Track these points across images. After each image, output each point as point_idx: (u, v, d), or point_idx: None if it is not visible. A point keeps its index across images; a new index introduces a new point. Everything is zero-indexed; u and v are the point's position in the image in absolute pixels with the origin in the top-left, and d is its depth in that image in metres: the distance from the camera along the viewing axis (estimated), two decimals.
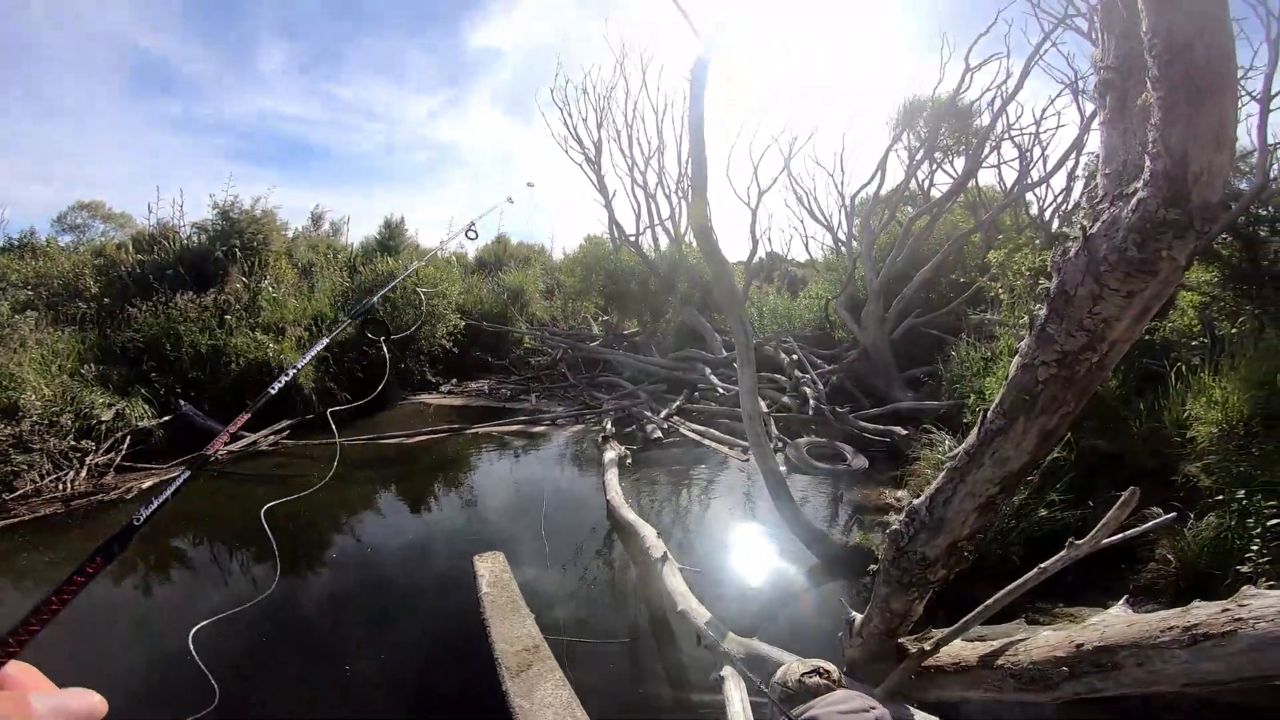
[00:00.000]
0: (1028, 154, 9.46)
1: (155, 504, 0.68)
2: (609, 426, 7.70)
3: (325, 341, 1.33)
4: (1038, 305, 1.75)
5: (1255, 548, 2.92)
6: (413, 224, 14.18)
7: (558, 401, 10.24)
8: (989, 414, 2.03)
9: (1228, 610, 1.86)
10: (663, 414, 8.35)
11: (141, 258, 9.22)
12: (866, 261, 9.62)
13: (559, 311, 14.99)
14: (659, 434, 7.74)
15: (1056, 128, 9.44)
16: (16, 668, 0.43)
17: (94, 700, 0.42)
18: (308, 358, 1.14)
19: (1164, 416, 4.11)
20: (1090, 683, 2.11)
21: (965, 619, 2.47)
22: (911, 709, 2.47)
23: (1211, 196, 1.27)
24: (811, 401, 8.14)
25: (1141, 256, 1.40)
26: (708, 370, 9.90)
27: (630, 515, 4.86)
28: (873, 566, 3.89)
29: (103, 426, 6.50)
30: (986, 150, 9.50)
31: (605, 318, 14.44)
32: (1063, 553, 2.25)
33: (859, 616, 2.88)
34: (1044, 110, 9.24)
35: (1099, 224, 1.50)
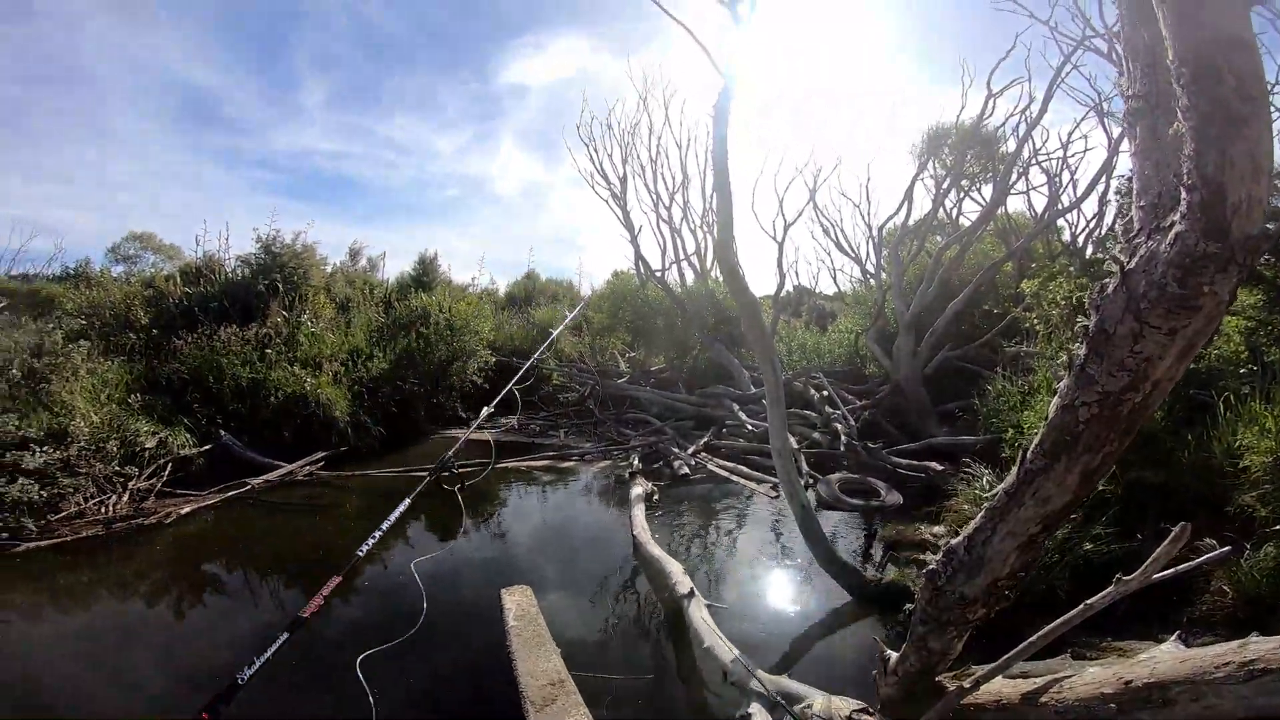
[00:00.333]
0: (1056, 179, 9.30)
1: (257, 664, 0.70)
2: (635, 462, 7.67)
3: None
4: (1077, 344, 1.72)
5: None
6: (445, 259, 14.52)
7: (585, 437, 10.24)
8: (1029, 453, 1.99)
9: None
10: (690, 450, 8.28)
11: (188, 290, 9.59)
12: (896, 293, 9.52)
13: (586, 348, 15.09)
14: (686, 470, 7.67)
15: (1084, 151, 9.26)
16: None
17: None
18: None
19: (1214, 446, 3.97)
20: None
21: (1008, 655, 2.37)
22: None
23: (1251, 228, 1.24)
24: (843, 437, 7.99)
25: (1182, 292, 1.37)
26: (735, 406, 9.80)
27: (656, 550, 4.80)
28: (908, 606, 3.78)
29: (146, 453, 6.72)
30: (1014, 176, 9.35)
31: (632, 354, 14.48)
32: (1110, 588, 2.16)
33: (894, 655, 2.79)
34: (1070, 134, 9.11)
35: (1136, 259, 1.48)
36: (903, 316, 9.13)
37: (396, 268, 14.92)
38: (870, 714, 1.83)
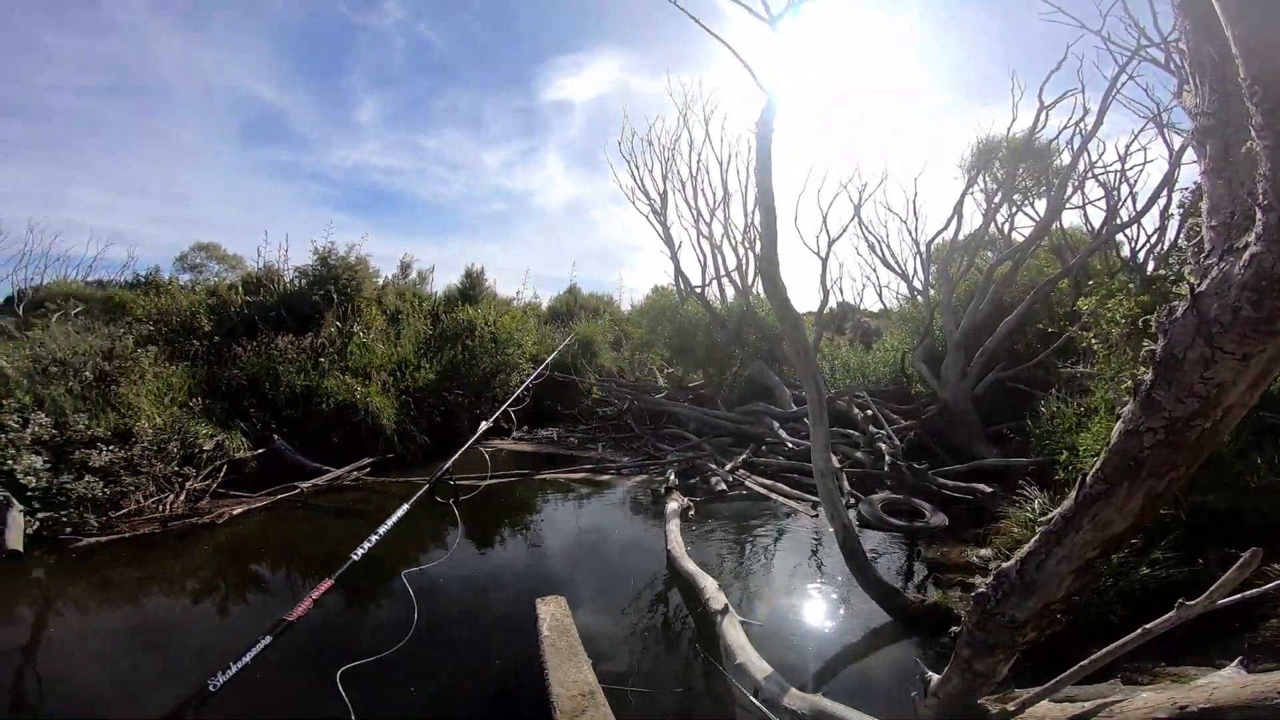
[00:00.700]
0: (1114, 192, 8.86)
1: (234, 669, 0.71)
2: (672, 478, 7.64)
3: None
4: (1143, 368, 1.65)
5: None
6: (491, 273, 14.80)
7: (623, 451, 10.27)
8: (1088, 478, 1.91)
9: None
10: (728, 467, 8.20)
11: (249, 299, 10.11)
12: (945, 311, 9.26)
13: (626, 363, 15.17)
14: (723, 487, 7.60)
15: (1144, 163, 8.81)
16: None
17: None
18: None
19: None
20: None
21: (1057, 679, 2.27)
22: None
23: None
24: (887, 457, 7.79)
25: (1258, 316, 1.31)
26: (775, 424, 9.67)
27: (691, 566, 4.76)
28: (954, 629, 3.65)
29: (204, 455, 7.03)
30: (1069, 190, 8.99)
31: (671, 370, 14.47)
32: (1171, 613, 2.04)
33: (935, 677, 2.71)
34: (1128, 146, 8.71)
35: (1208, 281, 1.41)
36: (952, 335, 8.88)
37: (444, 281, 15.30)
38: None
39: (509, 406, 3.95)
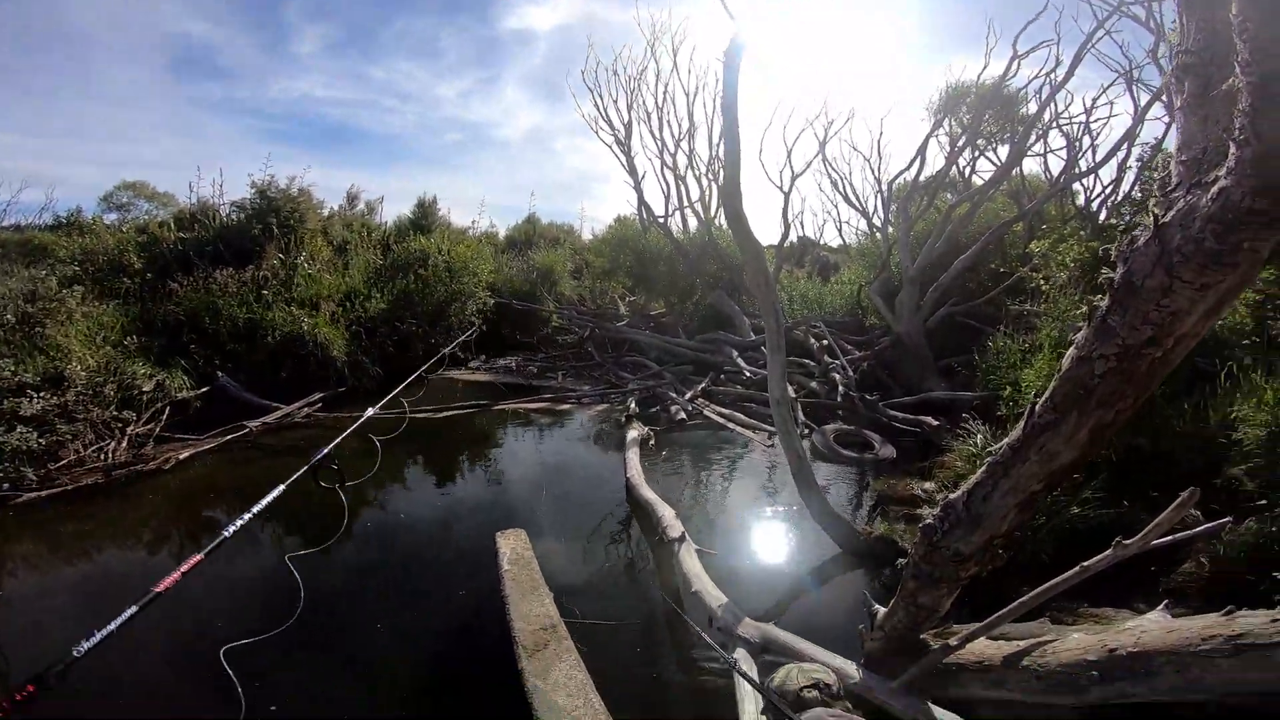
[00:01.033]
0: (1076, 143, 9.05)
1: (97, 637, 0.66)
2: (633, 406, 7.70)
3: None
4: (1098, 296, 1.66)
5: None
6: (445, 203, 14.26)
7: (583, 380, 10.26)
8: (1037, 407, 1.95)
9: (1277, 621, 1.78)
10: (687, 395, 8.31)
11: (183, 235, 9.46)
12: (903, 248, 9.39)
13: (587, 291, 14.99)
14: (683, 416, 7.72)
15: (1109, 117, 9.00)
16: None
17: None
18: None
19: (1210, 417, 3.95)
20: (1121, 688, 2.05)
21: (995, 616, 2.39)
22: (930, 705, 2.43)
23: None
24: (841, 388, 8.02)
25: (1220, 248, 1.31)
26: (734, 353, 9.81)
27: (649, 494, 4.86)
28: (900, 561, 3.83)
29: (143, 397, 6.70)
30: (1033, 138, 9.17)
31: (632, 298, 14.40)
32: (1109, 552, 2.16)
33: (882, 609, 2.83)
34: (1095, 99, 8.83)
35: (1173, 213, 1.41)
36: (908, 270, 9.05)
37: (395, 212, 14.63)
38: (834, 690, 1.83)
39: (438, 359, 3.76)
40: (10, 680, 3.11)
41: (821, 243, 17.84)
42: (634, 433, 6.45)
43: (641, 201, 12.26)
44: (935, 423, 6.73)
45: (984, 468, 2.19)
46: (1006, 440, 2.12)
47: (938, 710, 2.38)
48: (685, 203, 12.32)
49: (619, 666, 3.21)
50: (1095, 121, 8.90)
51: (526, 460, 6.75)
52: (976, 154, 10.56)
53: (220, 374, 7.69)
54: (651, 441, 6.66)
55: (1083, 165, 9.16)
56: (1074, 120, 9.06)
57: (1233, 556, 3.11)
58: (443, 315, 10.66)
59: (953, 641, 2.47)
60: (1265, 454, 3.43)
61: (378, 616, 3.66)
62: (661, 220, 12.12)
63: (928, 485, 5.39)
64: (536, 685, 2.79)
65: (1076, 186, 9.82)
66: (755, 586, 4.08)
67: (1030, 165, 10.76)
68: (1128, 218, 5.77)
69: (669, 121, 11.99)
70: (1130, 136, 8.12)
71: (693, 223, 12.83)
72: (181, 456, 6.08)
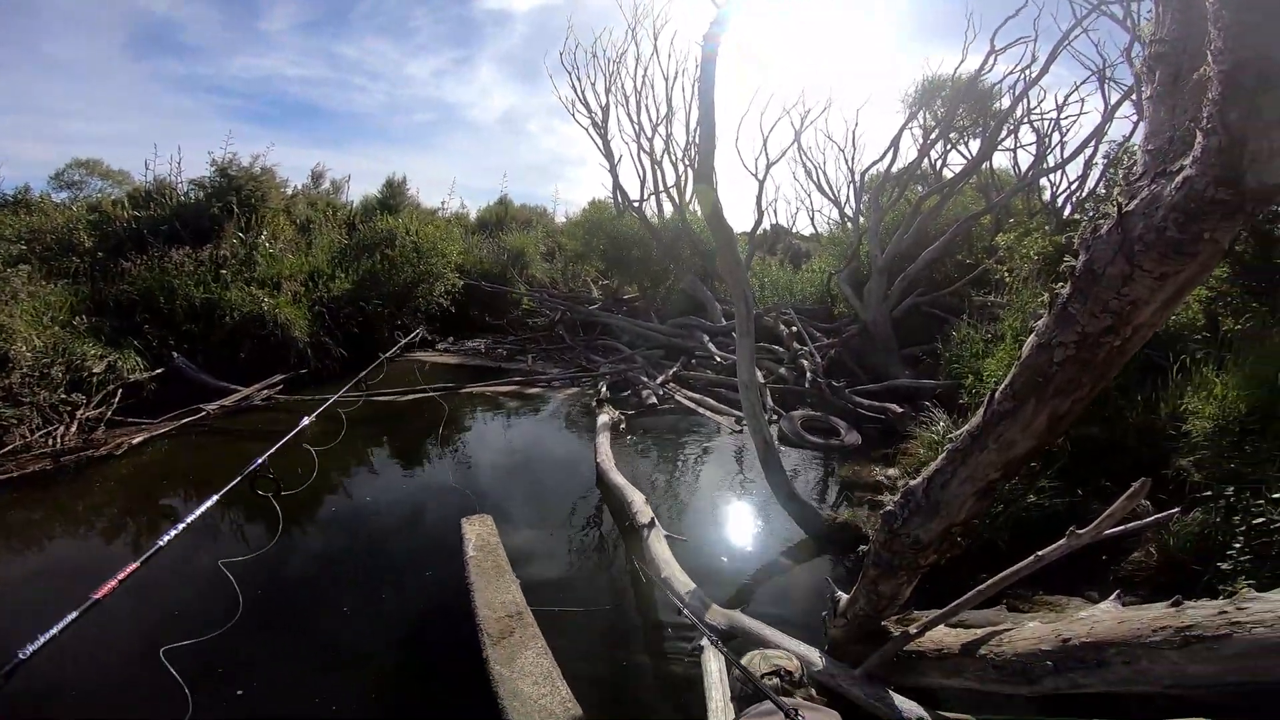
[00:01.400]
0: (1046, 139, 9.28)
1: (41, 640, 0.64)
2: (604, 390, 7.66)
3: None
4: (1060, 284, 1.66)
5: (1238, 545, 2.87)
6: (415, 183, 14.00)
7: (554, 363, 10.17)
8: (996, 395, 1.96)
9: (1225, 613, 1.81)
10: (659, 380, 8.30)
11: (137, 213, 9.01)
12: (872, 238, 9.50)
13: (559, 274, 14.85)
14: (654, 400, 7.71)
15: (1079, 114, 9.20)
16: None
17: None
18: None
19: (1160, 409, 4.06)
20: (1073, 679, 2.08)
21: (954, 604, 2.41)
22: (891, 692, 2.45)
23: (1270, 178, 1.18)
24: (808, 374, 8.09)
25: (1181, 237, 1.32)
26: (706, 338, 9.83)
27: (619, 480, 4.83)
28: (863, 547, 3.88)
29: (94, 379, 6.40)
30: (1004, 133, 9.35)
31: (605, 282, 14.31)
32: (1063, 541, 2.19)
33: (845, 596, 2.85)
34: (1068, 96, 9.05)
35: (1137, 201, 1.41)
36: (877, 260, 9.15)
37: (364, 192, 14.30)
38: (795, 677, 1.83)
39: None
40: None
41: (794, 231, 17.97)
42: (605, 417, 6.41)
43: (617, 185, 12.18)
44: (900, 410, 6.83)
45: (943, 455, 2.20)
46: (966, 428, 2.13)
47: (899, 698, 2.41)
48: (661, 187, 12.25)
49: (587, 653, 3.19)
50: (1066, 118, 9.14)
51: (495, 444, 6.66)
52: (949, 147, 10.70)
53: (175, 355, 7.39)
54: (622, 425, 6.63)
55: (1051, 161, 9.39)
56: (1045, 116, 9.29)
57: (1180, 546, 3.19)
58: (410, 297, 10.43)
59: (912, 629, 2.49)
60: (1211, 446, 3.53)
61: (339, 606, 3.57)
62: (637, 204, 12.03)
63: (891, 471, 5.47)
64: (502, 673, 2.75)
65: (1044, 182, 10.09)
66: (724, 572, 4.10)
67: (1000, 159, 11.01)
68: (1091, 213, 5.91)
69: (647, 105, 11.82)
70: (1099, 134, 8.36)
71: (668, 208, 12.79)
72: (135, 441, 5.83)
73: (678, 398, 7.73)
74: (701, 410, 7.34)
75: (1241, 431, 3.45)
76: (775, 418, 6.92)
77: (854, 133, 12.98)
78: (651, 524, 4.01)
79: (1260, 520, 2.91)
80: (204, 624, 1.90)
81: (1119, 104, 7.90)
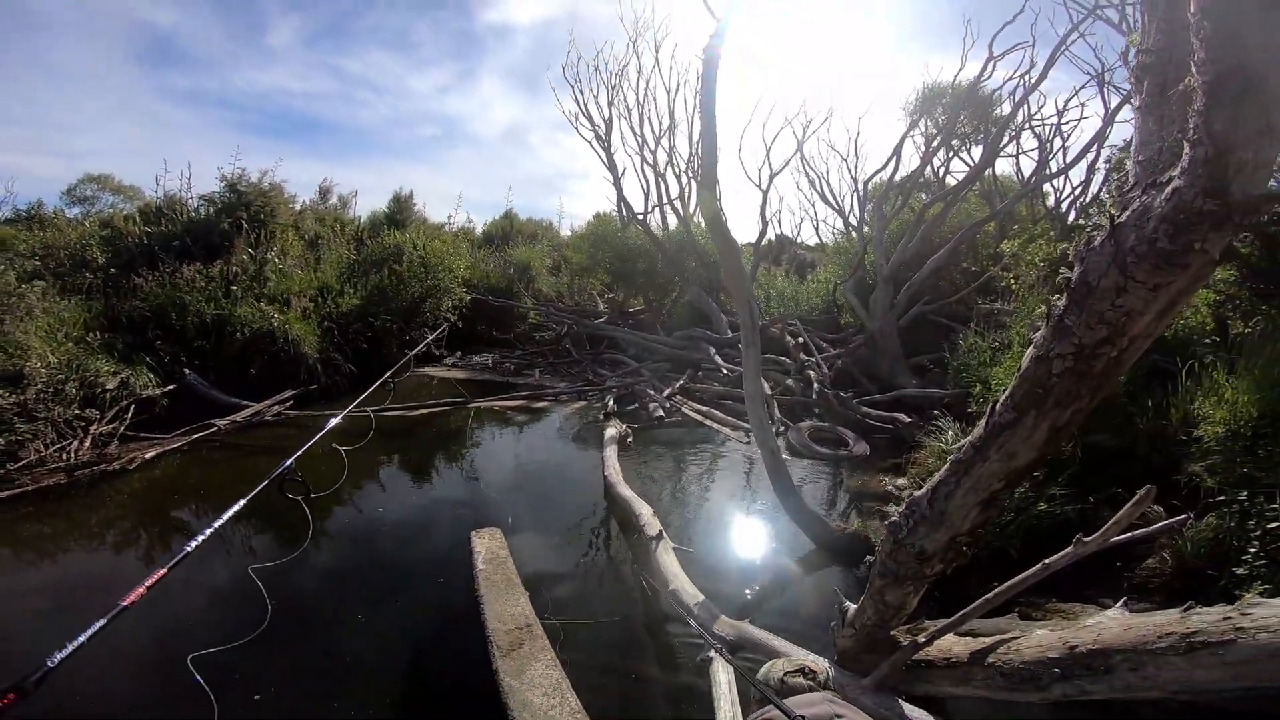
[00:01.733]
0: (1048, 145, 9.30)
1: (70, 647, 0.66)
2: (611, 404, 7.68)
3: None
4: (1056, 296, 1.68)
5: (1253, 550, 2.84)
6: (421, 198, 14.17)
7: (561, 377, 10.21)
8: (997, 406, 1.97)
9: (1229, 619, 1.79)
10: (666, 393, 8.31)
11: (148, 229, 9.15)
12: (877, 247, 9.51)
13: (565, 288, 14.94)
14: (661, 413, 7.72)
15: (1079, 119, 9.22)
16: None
17: None
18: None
19: (1171, 414, 4.03)
20: (1081, 685, 2.06)
21: (962, 612, 2.41)
22: (900, 701, 2.44)
23: (1255, 188, 1.19)
24: (815, 385, 8.09)
25: (1172, 248, 1.33)
26: (712, 350, 9.85)
27: (627, 492, 4.84)
28: (869, 558, 3.86)
29: (107, 395, 6.49)
30: (1005, 139, 9.35)
31: (611, 295, 14.38)
32: (1069, 549, 2.18)
33: (853, 607, 2.85)
34: (1067, 101, 9.06)
35: (1128, 213, 1.43)
36: (882, 269, 9.16)
37: (369, 206, 14.49)
38: (819, 676, 1.84)
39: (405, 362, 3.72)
40: None
41: (799, 241, 18.02)
42: (612, 430, 6.43)
43: (621, 198, 12.24)
44: (908, 419, 6.82)
45: (947, 466, 2.20)
46: (969, 438, 2.13)
47: (909, 707, 2.40)
48: (665, 200, 12.33)
49: (595, 663, 3.19)
50: (1066, 123, 9.15)
51: (503, 459, 6.69)
52: (951, 154, 10.74)
53: (187, 371, 7.49)
54: (630, 439, 6.64)
55: (1053, 166, 9.40)
56: (1046, 122, 9.31)
57: (1194, 552, 3.16)
58: (417, 312, 10.51)
59: (921, 638, 2.48)
60: (1223, 451, 3.50)
61: (352, 619, 3.60)
62: (641, 217, 12.10)
63: (900, 481, 5.46)
64: (511, 685, 2.76)
65: (1047, 187, 10.08)
66: (732, 583, 4.09)
67: (1002, 166, 11.03)
68: (1095, 218, 5.91)
69: (649, 118, 11.93)
70: (1100, 138, 8.35)
71: (672, 220, 12.86)
72: (147, 456, 5.90)
73: (685, 410, 7.74)
74: (709, 423, 7.35)
75: (1253, 435, 3.41)
76: (783, 429, 6.91)
77: (856, 141, 13.16)
78: (660, 536, 4.01)
79: (1274, 525, 2.87)
80: (230, 631, 1.94)
81: (1119, 108, 7.91)
